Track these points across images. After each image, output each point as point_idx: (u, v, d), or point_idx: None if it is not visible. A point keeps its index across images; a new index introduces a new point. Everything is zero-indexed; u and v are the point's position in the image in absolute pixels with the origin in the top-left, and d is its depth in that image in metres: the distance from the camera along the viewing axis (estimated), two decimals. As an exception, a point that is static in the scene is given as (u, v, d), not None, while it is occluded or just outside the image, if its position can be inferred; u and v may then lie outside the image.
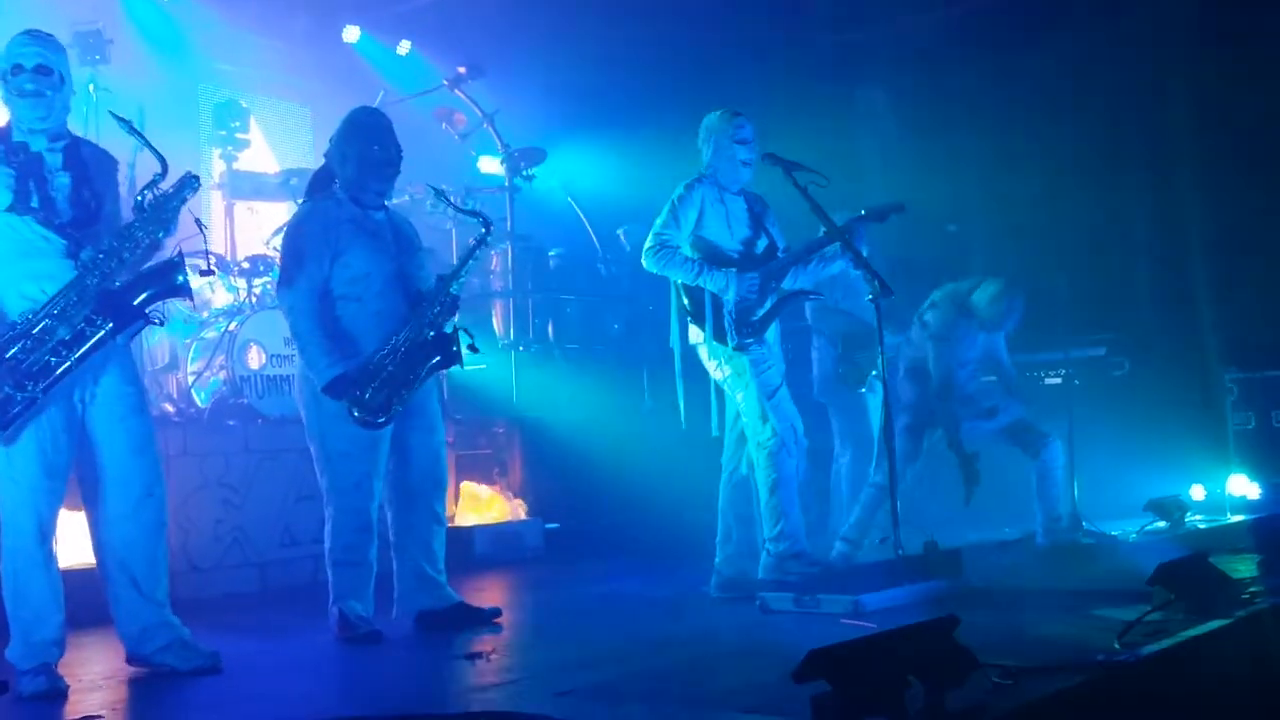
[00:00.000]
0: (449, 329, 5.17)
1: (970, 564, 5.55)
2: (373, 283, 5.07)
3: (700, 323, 5.64)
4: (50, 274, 4.24)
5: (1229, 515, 7.91)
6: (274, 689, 4.30)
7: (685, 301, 5.68)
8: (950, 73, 9.97)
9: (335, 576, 5.07)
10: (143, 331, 4.61)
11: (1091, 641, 4.00)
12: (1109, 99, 9.58)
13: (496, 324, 9.17)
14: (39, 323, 4.16)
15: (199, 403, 7.14)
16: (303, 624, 5.51)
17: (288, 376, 7.19)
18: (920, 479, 6.98)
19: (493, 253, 8.45)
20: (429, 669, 4.62)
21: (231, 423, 6.96)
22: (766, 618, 5.10)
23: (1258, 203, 8.85)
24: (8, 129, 4.38)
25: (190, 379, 7.23)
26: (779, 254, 5.80)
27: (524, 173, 9.15)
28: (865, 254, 5.63)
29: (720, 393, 5.77)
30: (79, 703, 4.08)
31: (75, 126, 4.61)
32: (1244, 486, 8.20)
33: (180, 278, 4.35)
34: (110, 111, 4.51)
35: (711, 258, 5.64)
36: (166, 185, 4.35)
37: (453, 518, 7.55)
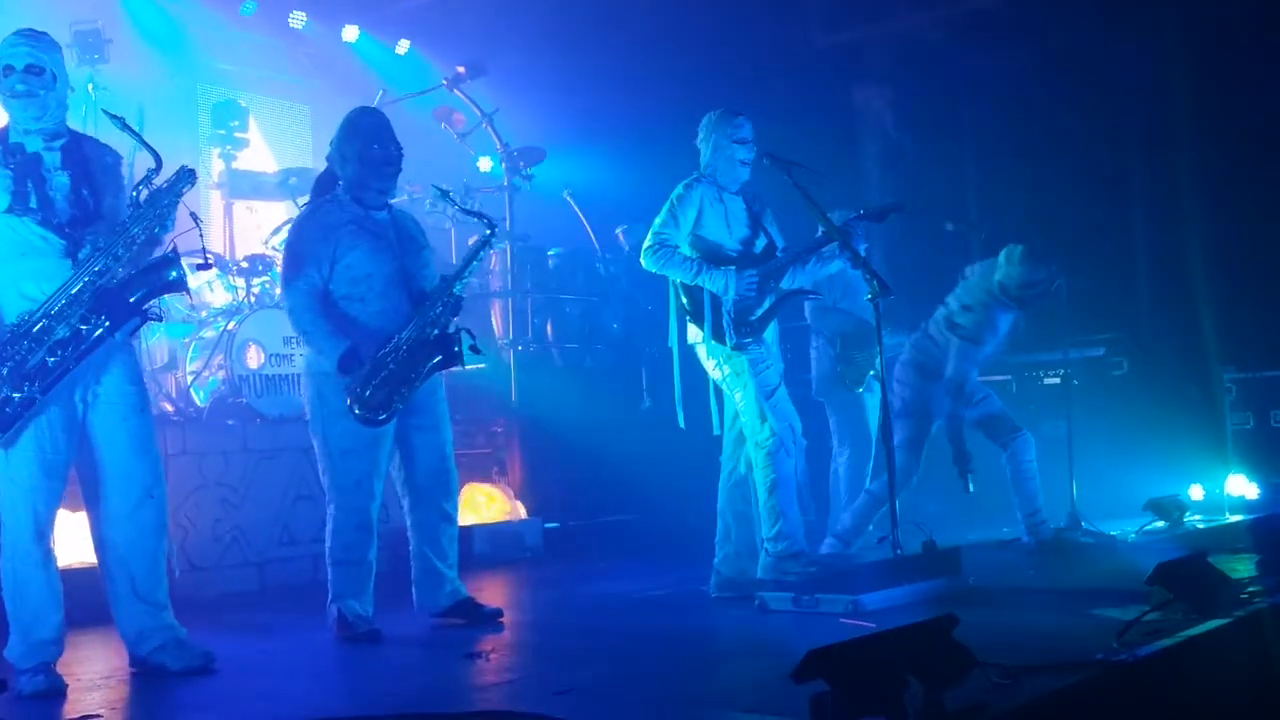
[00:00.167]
0: (451, 329, 5.19)
1: (969, 563, 5.55)
2: (375, 282, 5.09)
3: (699, 322, 5.65)
4: (49, 274, 4.23)
5: (1227, 515, 7.91)
6: (273, 688, 4.30)
7: (684, 301, 5.68)
8: (949, 73, 9.97)
9: (334, 575, 5.09)
10: (141, 330, 4.61)
11: (1090, 641, 4.00)
12: (1108, 99, 9.58)
13: (495, 324, 9.17)
14: (36, 323, 4.16)
15: (198, 402, 7.14)
16: (301, 623, 5.51)
17: (286, 376, 7.20)
18: (920, 478, 6.97)
19: (491, 252, 8.44)
20: (428, 668, 4.63)
21: (230, 422, 6.96)
22: (765, 617, 5.11)
23: (1257, 203, 8.85)
24: (5, 130, 4.38)
25: (189, 378, 7.23)
26: (778, 253, 5.80)
27: (523, 172, 9.15)
28: (863, 253, 5.64)
29: (719, 392, 5.77)
30: (78, 702, 4.08)
31: (74, 126, 4.60)
32: (1242, 486, 8.20)
33: (174, 273, 4.33)
34: (104, 110, 4.51)
35: (710, 257, 5.64)
36: (160, 181, 4.34)
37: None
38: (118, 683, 4.39)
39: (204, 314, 7.64)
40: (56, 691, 4.16)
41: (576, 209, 9.70)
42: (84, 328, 4.20)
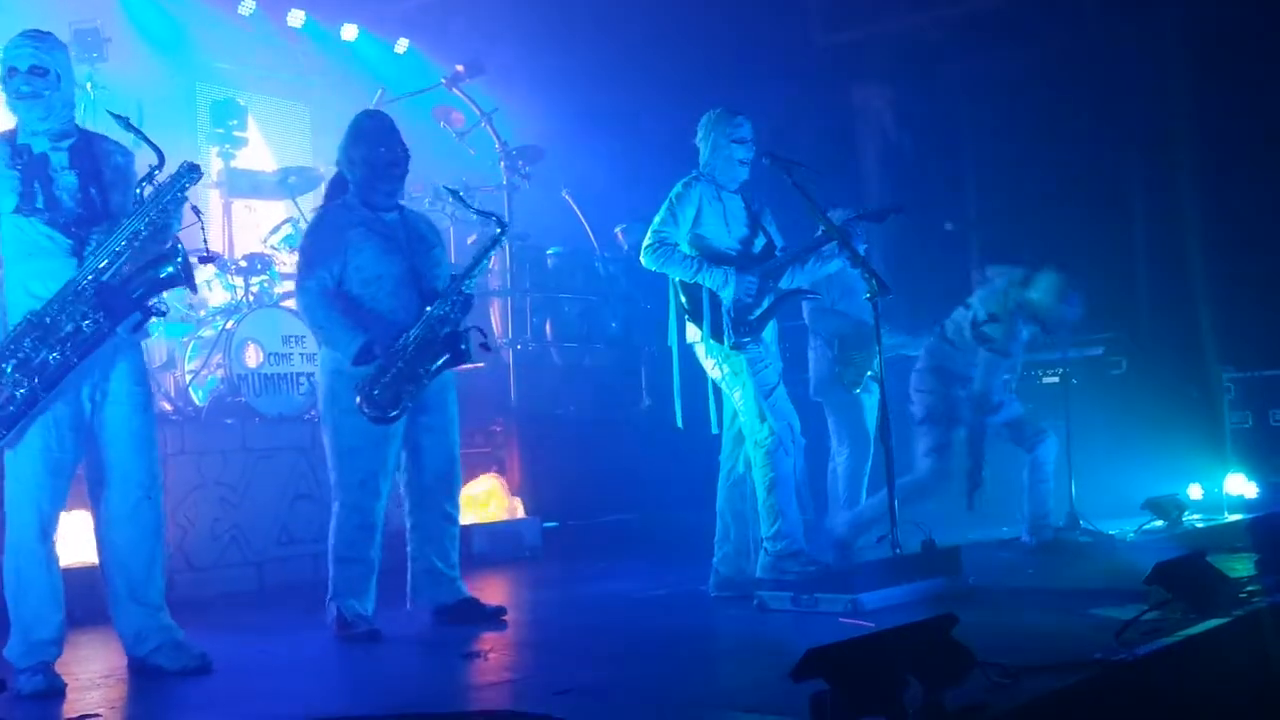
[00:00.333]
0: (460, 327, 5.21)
1: (968, 562, 5.55)
2: (385, 283, 5.12)
3: (698, 321, 5.65)
4: (56, 273, 4.24)
5: (1226, 514, 7.91)
6: (272, 687, 4.30)
7: (683, 300, 5.68)
8: (948, 73, 9.98)
9: (335, 572, 5.09)
10: (146, 325, 4.60)
11: (1089, 640, 4.00)
12: (1108, 99, 9.58)
13: (494, 323, 9.17)
14: (40, 320, 4.17)
15: (196, 401, 7.14)
16: (300, 622, 5.50)
17: (285, 375, 7.21)
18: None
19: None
20: (428, 667, 4.63)
21: (229, 421, 6.96)
22: (764, 616, 5.11)
23: (1256, 201, 8.86)
24: (14, 132, 4.40)
25: (188, 377, 7.23)
26: (777, 253, 5.80)
27: (522, 171, 9.15)
28: (863, 253, 5.64)
29: (718, 391, 5.77)
30: (77, 701, 4.08)
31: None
32: (1241, 485, 8.20)
33: (169, 269, 4.33)
34: (108, 110, 4.51)
35: (710, 256, 5.64)
36: (163, 177, 4.35)
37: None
38: (116, 682, 4.39)
39: (202, 313, 7.64)
40: (55, 691, 4.16)
41: (575, 208, 9.70)
42: (85, 324, 4.20)
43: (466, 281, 5.22)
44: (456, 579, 5.34)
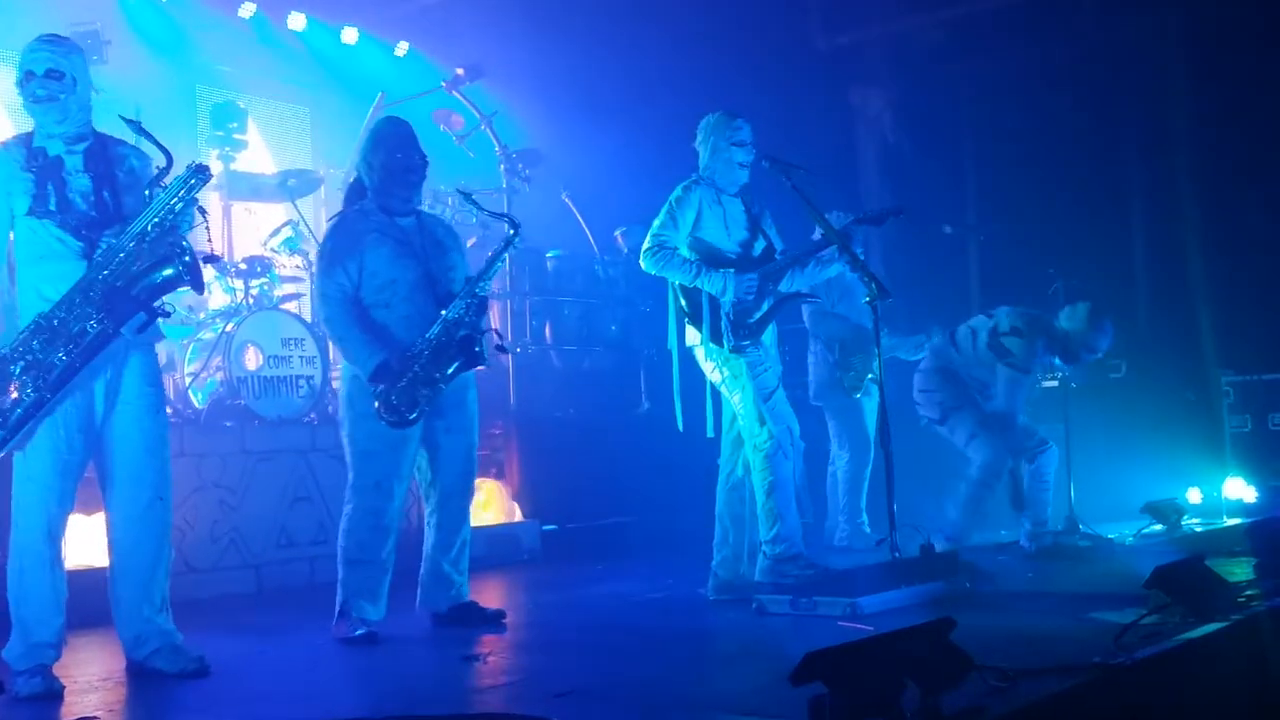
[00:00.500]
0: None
1: (967, 566, 5.55)
2: (399, 288, 5.14)
3: (697, 324, 5.65)
4: (66, 276, 4.26)
5: (1225, 518, 7.90)
6: (270, 690, 4.30)
7: (682, 303, 5.68)
8: (948, 75, 9.98)
9: (345, 574, 5.11)
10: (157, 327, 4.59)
11: (1088, 644, 4.00)
12: (1107, 102, 9.59)
13: (494, 326, 9.17)
14: (49, 323, 4.19)
15: (196, 404, 7.14)
16: (299, 625, 5.51)
17: (285, 377, 7.21)
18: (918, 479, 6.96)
19: (489, 252, 8.43)
20: (427, 670, 4.62)
21: (228, 424, 6.96)
22: (763, 620, 5.10)
23: (1255, 204, 8.86)
24: (30, 135, 4.43)
25: (187, 380, 7.23)
26: (776, 256, 5.81)
27: (521, 174, 9.15)
28: (861, 257, 5.65)
29: (717, 394, 5.78)
30: (75, 704, 4.08)
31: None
32: (1240, 489, 8.20)
33: (168, 271, 4.33)
34: (119, 115, 4.51)
35: (709, 259, 5.64)
36: (170, 179, 4.36)
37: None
38: (114, 685, 4.39)
39: (202, 315, 7.63)
40: (53, 694, 4.16)
41: (575, 211, 9.70)
42: (91, 325, 4.22)
43: (481, 284, 5.24)
44: (463, 585, 5.36)
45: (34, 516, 4.28)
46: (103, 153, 4.45)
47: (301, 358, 7.31)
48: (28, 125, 4.52)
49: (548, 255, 9.42)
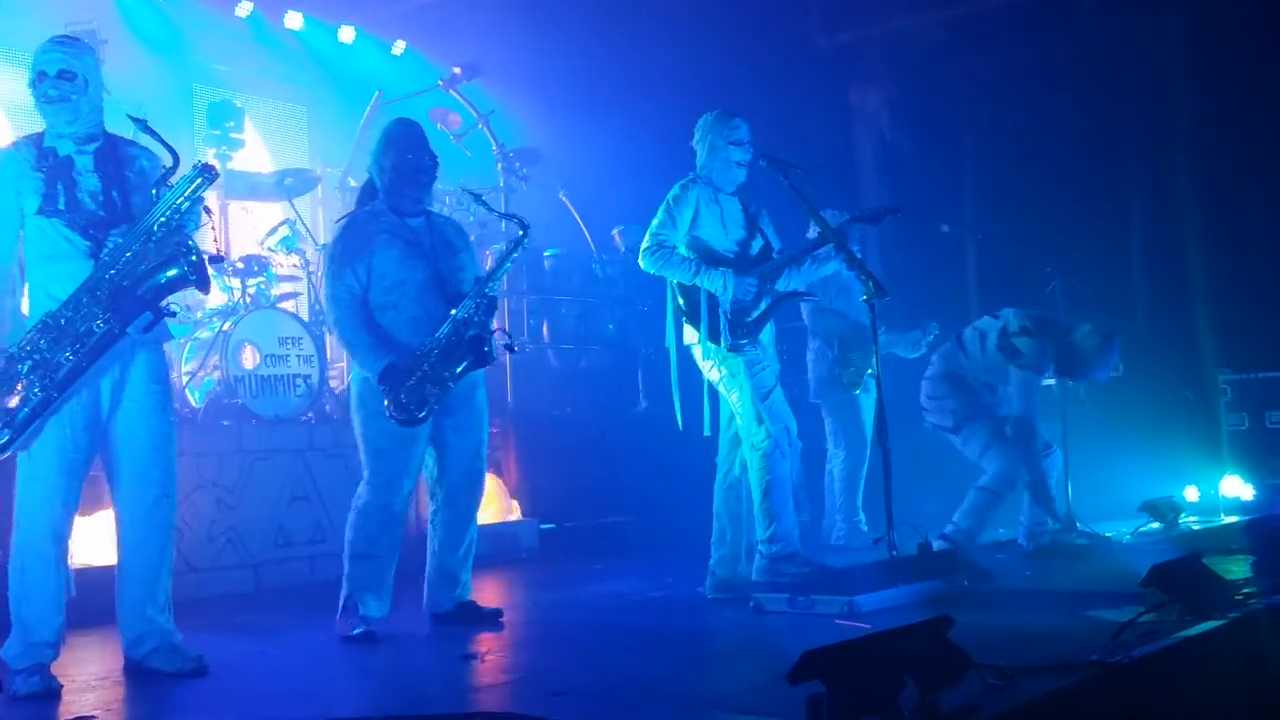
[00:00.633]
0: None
1: (964, 564, 5.55)
2: (408, 289, 5.16)
3: (695, 323, 5.65)
4: (74, 275, 4.28)
5: (1222, 516, 7.91)
6: (267, 689, 4.30)
7: (680, 302, 5.68)
8: (946, 74, 9.98)
9: (351, 569, 5.12)
10: (164, 326, 4.60)
11: (1085, 642, 4.00)
12: (1105, 100, 9.59)
13: (492, 325, 9.16)
14: (56, 322, 4.20)
15: (193, 403, 7.14)
16: (297, 624, 5.51)
17: (282, 376, 7.21)
18: (916, 478, 6.96)
19: (486, 252, 8.45)
20: (424, 669, 4.62)
21: (226, 423, 6.96)
22: (761, 618, 5.10)
23: (1253, 204, 8.86)
24: (42, 135, 4.45)
25: (184, 379, 7.23)
26: (774, 255, 5.81)
27: (519, 173, 9.15)
28: (859, 255, 5.65)
29: (714, 393, 5.78)
30: (73, 703, 4.08)
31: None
32: (1237, 488, 8.20)
33: (173, 271, 4.34)
34: (127, 114, 4.53)
35: (707, 258, 5.64)
36: (176, 179, 4.37)
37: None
38: (112, 684, 4.39)
39: (199, 314, 7.63)
40: (51, 693, 4.16)
41: (573, 210, 9.70)
42: (97, 325, 4.23)
43: (490, 284, 5.26)
44: (466, 584, 5.38)
45: (38, 515, 4.29)
46: (113, 153, 4.48)
47: (299, 356, 7.32)
48: (25, 123, 4.53)
49: (545, 254, 9.42)
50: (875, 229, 6.22)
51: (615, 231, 9.69)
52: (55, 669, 4.29)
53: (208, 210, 4.56)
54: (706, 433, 5.81)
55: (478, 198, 5.69)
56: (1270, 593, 4.76)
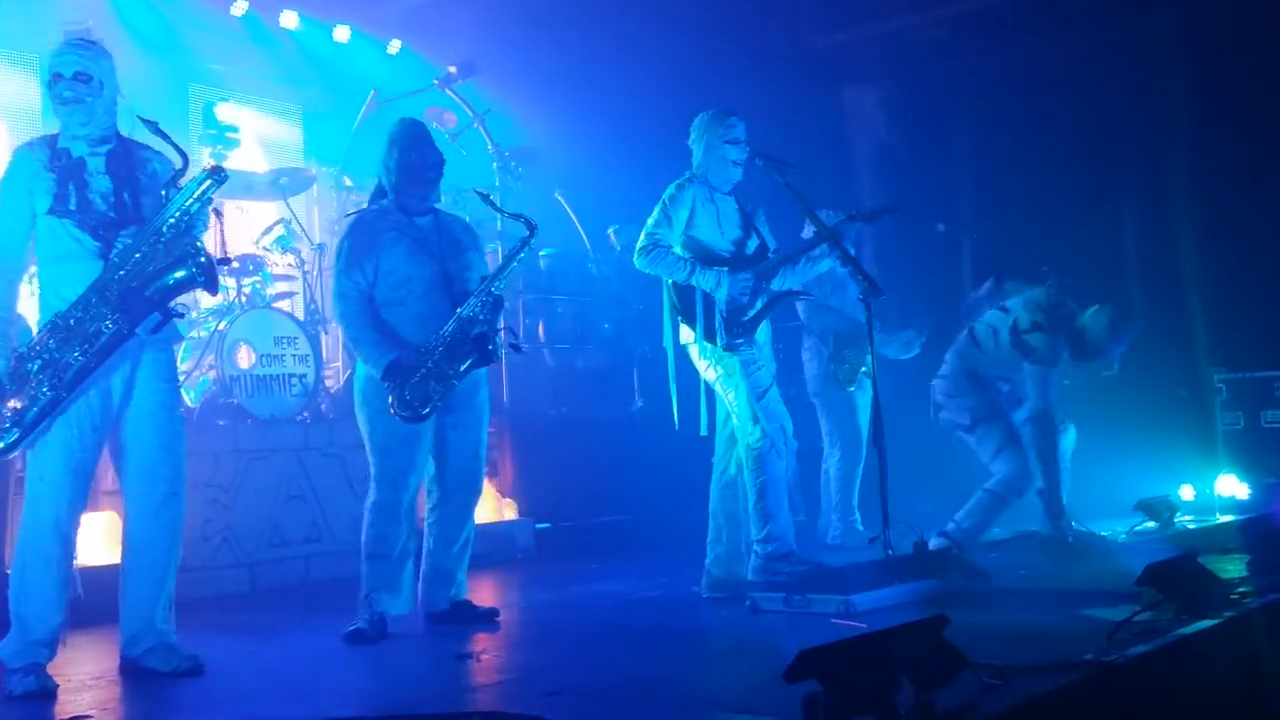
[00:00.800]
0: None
1: (960, 563, 5.55)
2: (415, 286, 5.18)
3: (691, 322, 5.65)
4: (83, 275, 4.30)
5: (1218, 515, 7.92)
6: (263, 689, 4.30)
7: (676, 301, 5.68)
8: (942, 73, 9.98)
9: (366, 569, 5.14)
10: (174, 327, 4.60)
11: (1081, 641, 4.00)
12: (1101, 100, 9.59)
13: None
14: (65, 322, 4.22)
15: (188, 402, 7.12)
16: (293, 624, 5.51)
17: (277, 376, 7.20)
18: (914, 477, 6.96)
19: (488, 249, 8.45)
20: (420, 668, 4.62)
21: (221, 422, 6.95)
22: (756, 618, 5.10)
23: (1250, 203, 8.86)
24: (56, 136, 4.48)
25: (180, 378, 7.21)
26: (770, 254, 5.80)
27: (514, 172, 9.14)
28: (853, 254, 5.65)
29: (710, 393, 5.78)
30: (69, 702, 4.08)
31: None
32: (1233, 487, 8.21)
33: (180, 272, 4.36)
34: (137, 116, 4.54)
35: (703, 258, 5.64)
36: (185, 181, 4.38)
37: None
38: (108, 684, 4.39)
39: (195, 314, 7.62)
40: (46, 692, 4.17)
41: (568, 209, 9.69)
42: (106, 325, 4.24)
43: (496, 282, 5.27)
44: (462, 583, 5.40)
45: (43, 513, 4.30)
46: (125, 155, 4.51)
47: (294, 356, 7.31)
48: (25, 124, 4.54)
49: (541, 254, 9.42)
50: (870, 228, 6.20)
51: (611, 231, 9.69)
52: (51, 668, 4.29)
53: (218, 213, 4.59)
54: (703, 432, 5.81)
55: (486, 198, 5.70)
56: (1265, 592, 4.77)
